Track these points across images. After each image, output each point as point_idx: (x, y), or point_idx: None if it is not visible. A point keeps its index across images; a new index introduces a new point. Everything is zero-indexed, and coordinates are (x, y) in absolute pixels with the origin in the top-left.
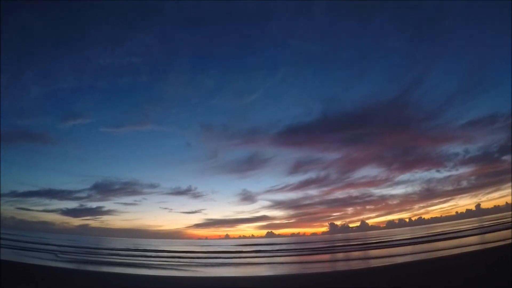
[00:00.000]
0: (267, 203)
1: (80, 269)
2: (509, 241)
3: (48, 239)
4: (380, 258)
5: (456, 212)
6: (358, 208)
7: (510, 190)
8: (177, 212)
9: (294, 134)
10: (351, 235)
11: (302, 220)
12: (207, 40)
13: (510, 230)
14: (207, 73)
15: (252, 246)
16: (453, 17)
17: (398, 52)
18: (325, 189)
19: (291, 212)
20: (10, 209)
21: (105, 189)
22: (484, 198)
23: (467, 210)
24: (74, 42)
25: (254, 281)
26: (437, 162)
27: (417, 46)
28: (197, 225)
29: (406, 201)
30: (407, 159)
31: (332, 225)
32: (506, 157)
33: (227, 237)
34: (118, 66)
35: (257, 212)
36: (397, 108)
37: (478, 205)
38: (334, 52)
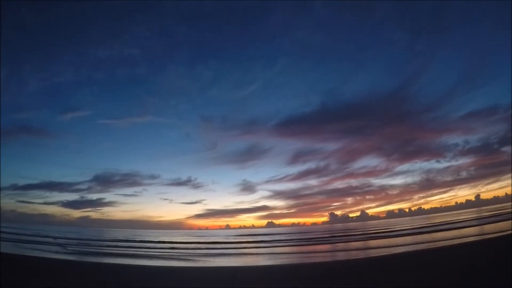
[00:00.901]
0: (267, 193)
1: (81, 261)
2: (509, 232)
3: (50, 232)
4: (379, 248)
5: (456, 202)
6: (358, 198)
7: (509, 181)
8: (178, 202)
9: (293, 125)
10: (351, 225)
11: (302, 210)
12: (205, 32)
13: (510, 221)
14: (206, 65)
15: (253, 236)
16: (453, 10)
17: (398, 44)
18: (324, 179)
19: (291, 202)
20: (10, 202)
21: (105, 180)
22: (483, 189)
23: (467, 201)
24: (72, 36)
25: (254, 271)
26: (437, 152)
27: (416, 39)
28: (198, 216)
29: (406, 191)
30: (407, 150)
31: (332, 215)
32: (506, 148)
33: (227, 227)
34: (116, 58)
35: (257, 202)
36: (397, 99)
37: (477, 196)
38: (334, 43)
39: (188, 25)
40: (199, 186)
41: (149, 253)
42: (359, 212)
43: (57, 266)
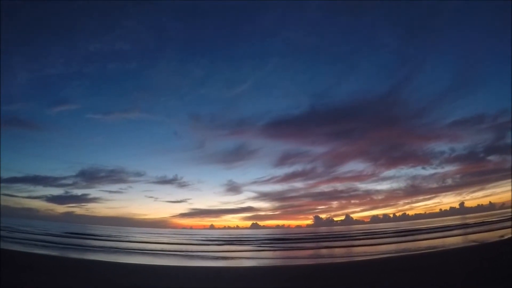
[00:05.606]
0: (252, 194)
1: (71, 257)
2: (492, 240)
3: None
4: (363, 252)
5: (440, 209)
6: (343, 202)
7: (494, 190)
8: (163, 201)
9: (282, 126)
10: (336, 228)
11: (287, 212)
12: (197, 29)
13: (495, 230)
14: (196, 62)
15: (237, 237)
16: (445, 16)
17: (389, 48)
18: (311, 182)
19: (276, 204)
20: None
21: (90, 176)
22: (468, 197)
23: (451, 208)
24: (63, 28)
25: (239, 272)
26: (423, 159)
27: (408, 43)
28: (183, 215)
29: (391, 196)
30: (394, 155)
31: (316, 218)
32: (491, 157)
33: (212, 227)
34: (107, 52)
35: (243, 203)
36: (386, 104)
37: (462, 204)
38: (325, 46)
39: (181, 22)
40: (184, 185)
41: (132, 251)
42: (344, 216)
43: (51, 262)
